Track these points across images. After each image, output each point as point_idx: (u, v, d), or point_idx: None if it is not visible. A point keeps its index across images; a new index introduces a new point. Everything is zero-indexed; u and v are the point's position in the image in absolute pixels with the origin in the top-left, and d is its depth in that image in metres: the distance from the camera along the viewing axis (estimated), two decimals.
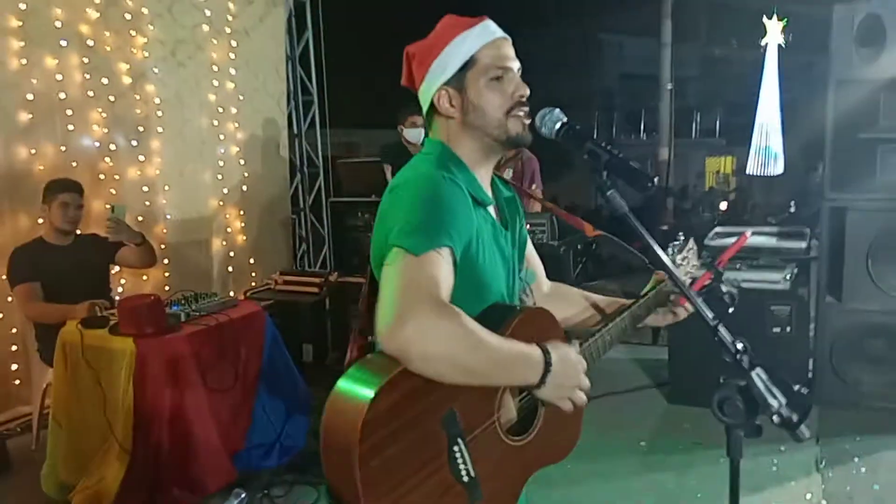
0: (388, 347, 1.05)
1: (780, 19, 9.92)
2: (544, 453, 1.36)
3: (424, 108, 1.38)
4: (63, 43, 4.24)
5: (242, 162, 5.69)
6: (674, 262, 1.64)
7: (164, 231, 5.04)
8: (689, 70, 20.07)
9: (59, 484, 3.11)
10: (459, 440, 1.13)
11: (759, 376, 1.18)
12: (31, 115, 4.10)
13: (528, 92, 1.33)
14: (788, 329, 3.81)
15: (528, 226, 4.27)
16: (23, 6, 4.01)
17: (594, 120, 22.11)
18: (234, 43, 5.54)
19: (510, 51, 1.36)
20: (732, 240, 4.32)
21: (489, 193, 1.39)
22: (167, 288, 4.99)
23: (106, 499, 2.93)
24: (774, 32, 10.04)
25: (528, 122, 1.34)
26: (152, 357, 2.99)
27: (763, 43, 10.27)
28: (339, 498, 1.06)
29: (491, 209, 1.39)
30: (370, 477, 1.03)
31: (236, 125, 5.63)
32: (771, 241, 4.28)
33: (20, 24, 4.01)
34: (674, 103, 14.52)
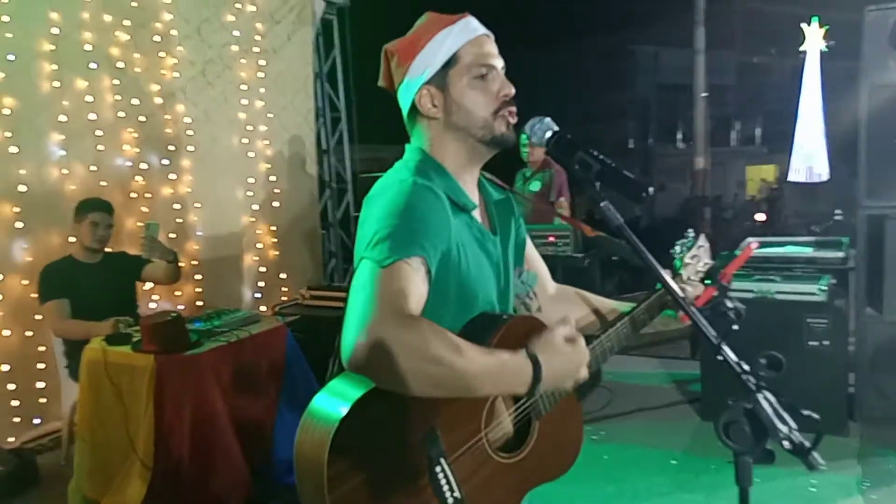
0: (352, 367, 1.00)
1: (821, 25, 9.68)
2: (541, 469, 1.30)
3: (404, 110, 1.33)
4: (93, 65, 4.36)
5: (272, 179, 5.76)
6: (682, 261, 1.56)
7: (196, 248, 5.11)
8: (726, 78, 19.72)
9: (85, 500, 3.14)
10: (442, 460, 1.09)
11: (766, 399, 1.11)
12: (63, 137, 4.22)
13: (513, 91, 1.29)
14: (826, 342, 3.65)
15: (551, 237, 4.19)
16: (55, 30, 4.14)
17: (629, 130, 21.87)
18: (262, 62, 5.63)
19: (493, 48, 1.31)
20: (770, 251, 4.19)
21: (474, 198, 1.34)
22: (200, 304, 5.07)
23: None
24: (815, 38, 9.79)
25: (513, 121, 1.29)
26: (173, 374, 3.01)
27: (802, 49, 10.02)
28: None
29: (476, 214, 1.33)
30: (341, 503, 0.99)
31: (266, 143, 5.71)
32: (806, 250, 4.13)
33: (52, 48, 4.13)
34: (709, 112, 14.26)
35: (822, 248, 4.14)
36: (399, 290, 1.05)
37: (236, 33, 5.38)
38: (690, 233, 1.64)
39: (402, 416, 1.05)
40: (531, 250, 1.55)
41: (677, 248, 1.60)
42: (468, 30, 1.29)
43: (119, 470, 3.05)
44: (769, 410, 1.10)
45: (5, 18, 3.91)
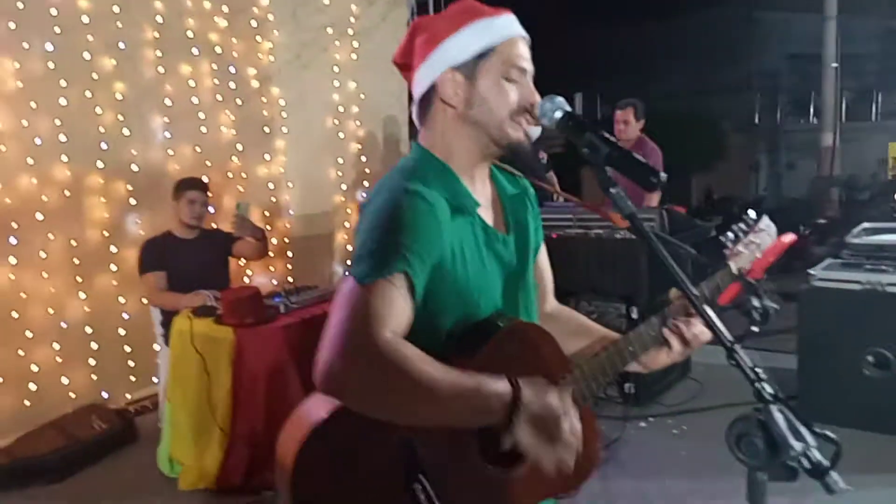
0: (322, 391, 0.98)
1: None
2: (546, 483, 1.19)
3: (418, 93, 1.26)
4: (195, 51, 4.60)
5: (363, 159, 5.87)
6: (731, 250, 1.40)
7: (288, 226, 5.31)
8: (865, 46, 17.93)
9: (171, 461, 3.38)
10: (420, 476, 1.04)
11: (780, 412, 1.00)
12: (167, 120, 4.49)
13: (538, 100, 1.21)
14: None
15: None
16: (159, 19, 4.39)
17: (755, 105, 20.47)
18: (356, 44, 5.71)
19: (528, 53, 1.25)
20: (884, 238, 3.79)
21: (483, 194, 1.27)
22: (291, 280, 5.27)
23: (207, 478, 3.16)
24: None
25: (530, 130, 1.22)
26: (250, 346, 3.16)
27: None
28: None
29: (485, 211, 1.26)
30: None
31: (358, 124, 5.81)
32: None
33: (157, 35, 4.39)
34: (844, 83, 13.08)
35: None
36: (375, 313, 1.00)
37: (331, 16, 5.49)
38: (752, 214, 1.46)
39: (379, 426, 1.01)
40: (541, 258, 1.45)
41: (730, 234, 1.43)
42: (511, 27, 1.24)
43: (201, 435, 3.25)
44: (783, 425, 0.99)
45: (116, 9, 4.19)
